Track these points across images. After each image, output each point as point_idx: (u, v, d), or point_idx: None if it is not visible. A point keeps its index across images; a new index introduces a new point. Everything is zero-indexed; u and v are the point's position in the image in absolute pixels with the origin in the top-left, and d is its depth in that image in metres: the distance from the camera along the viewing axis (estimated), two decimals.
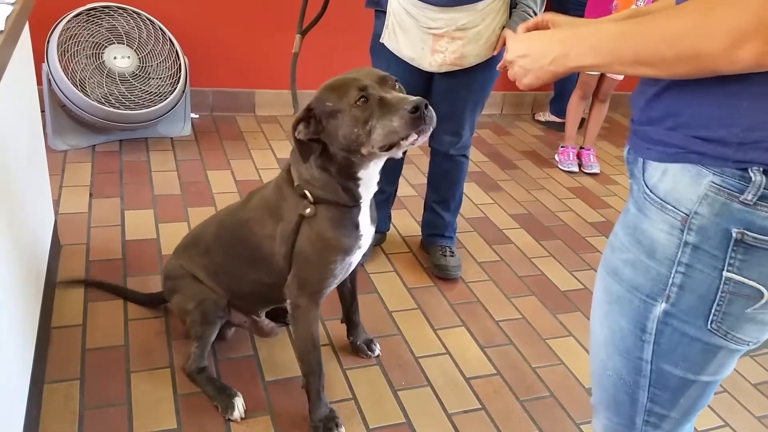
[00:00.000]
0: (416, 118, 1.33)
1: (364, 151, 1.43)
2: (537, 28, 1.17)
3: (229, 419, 1.72)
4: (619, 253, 1.00)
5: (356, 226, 1.59)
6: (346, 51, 3.73)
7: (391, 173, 2.48)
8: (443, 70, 2.17)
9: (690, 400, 1.00)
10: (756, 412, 2.04)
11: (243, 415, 1.73)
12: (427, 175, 2.57)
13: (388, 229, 2.66)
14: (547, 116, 4.42)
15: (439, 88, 2.25)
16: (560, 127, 4.31)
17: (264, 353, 1.98)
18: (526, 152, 3.90)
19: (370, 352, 2.03)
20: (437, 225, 2.58)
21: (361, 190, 1.55)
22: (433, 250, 2.56)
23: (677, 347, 0.94)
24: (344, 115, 1.40)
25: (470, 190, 3.23)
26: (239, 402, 1.74)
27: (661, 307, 0.93)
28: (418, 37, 2.12)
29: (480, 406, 1.91)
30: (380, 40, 2.22)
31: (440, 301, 2.37)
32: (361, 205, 1.58)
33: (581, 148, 3.79)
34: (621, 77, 3.50)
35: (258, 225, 1.66)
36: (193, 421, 1.72)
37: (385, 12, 2.17)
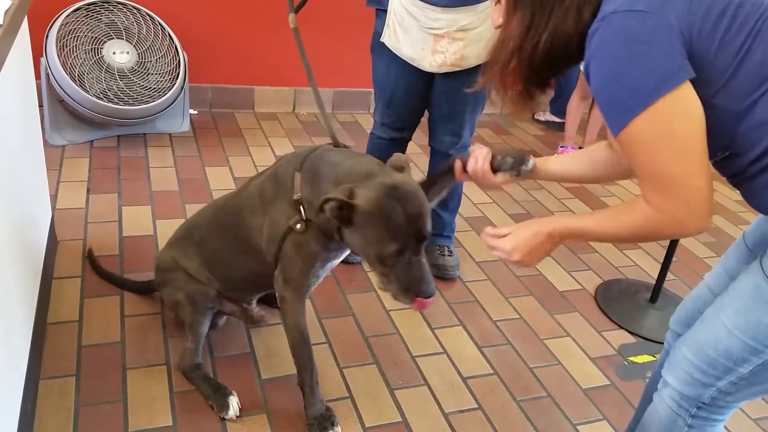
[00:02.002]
0: (421, 299, 1.42)
1: (370, 267, 1.48)
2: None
3: (224, 418, 1.72)
4: None
5: (339, 244, 1.57)
6: (347, 50, 3.73)
7: None
8: (443, 70, 2.16)
9: None
10: (752, 415, 2.04)
11: (238, 414, 1.73)
12: (426, 174, 2.56)
13: None
14: (547, 116, 4.42)
15: (439, 88, 2.25)
16: (560, 126, 4.31)
17: (260, 351, 1.98)
18: (525, 152, 3.88)
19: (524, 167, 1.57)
20: (436, 224, 2.56)
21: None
22: (431, 250, 2.55)
23: None
24: (373, 251, 1.41)
25: (469, 189, 3.22)
26: (234, 401, 1.74)
27: None
28: (418, 37, 2.11)
29: (476, 406, 1.91)
30: (381, 40, 2.21)
31: (438, 300, 2.37)
32: None
33: (581, 148, 3.79)
34: None
35: (250, 214, 1.67)
36: (189, 418, 1.71)
37: (386, 11, 2.17)
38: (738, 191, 1.18)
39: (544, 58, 1.15)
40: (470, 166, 1.54)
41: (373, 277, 2.40)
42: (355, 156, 1.56)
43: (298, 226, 1.55)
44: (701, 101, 1.04)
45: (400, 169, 1.49)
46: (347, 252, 1.66)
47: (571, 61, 1.18)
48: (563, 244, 1.32)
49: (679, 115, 1.04)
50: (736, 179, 1.16)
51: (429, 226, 1.43)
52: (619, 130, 1.07)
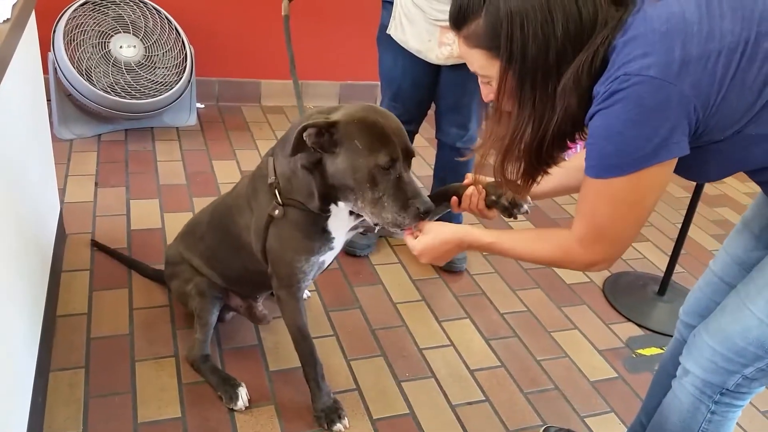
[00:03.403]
0: (422, 218, 1.39)
1: (358, 204, 1.43)
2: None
3: (233, 409, 1.73)
4: None
5: (323, 230, 1.56)
6: (354, 41, 3.72)
7: None
8: (450, 63, 2.15)
9: None
10: (761, 407, 2.04)
11: (247, 405, 1.74)
12: (433, 167, 2.56)
13: None
14: None
15: (446, 80, 2.24)
16: None
17: (269, 343, 1.99)
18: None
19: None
20: (443, 217, 2.56)
21: (333, 208, 1.52)
22: None
23: None
24: (364, 166, 1.37)
25: None
26: (243, 392, 1.75)
27: None
28: (425, 29, 2.11)
29: (484, 398, 1.91)
30: (387, 32, 2.20)
31: (445, 293, 2.37)
32: (330, 213, 1.54)
33: None
34: None
35: (238, 213, 1.68)
36: (198, 409, 1.72)
37: (392, 3, 2.16)
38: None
39: (554, 142, 1.13)
40: (464, 205, 1.53)
41: (380, 270, 2.40)
42: None
43: (276, 211, 1.52)
44: (731, 137, 1.06)
45: None
46: (336, 250, 1.64)
47: (576, 134, 1.16)
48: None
49: (655, 188, 1.08)
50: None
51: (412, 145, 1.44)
52: (596, 178, 1.08)
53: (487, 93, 1.19)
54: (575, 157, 1.45)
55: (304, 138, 1.37)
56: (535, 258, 1.27)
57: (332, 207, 1.51)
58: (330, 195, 1.48)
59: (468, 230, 1.35)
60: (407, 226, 1.40)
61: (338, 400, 1.76)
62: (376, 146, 1.36)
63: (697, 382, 1.28)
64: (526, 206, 1.51)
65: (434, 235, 1.37)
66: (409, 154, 1.42)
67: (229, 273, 1.82)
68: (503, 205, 1.51)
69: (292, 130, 1.43)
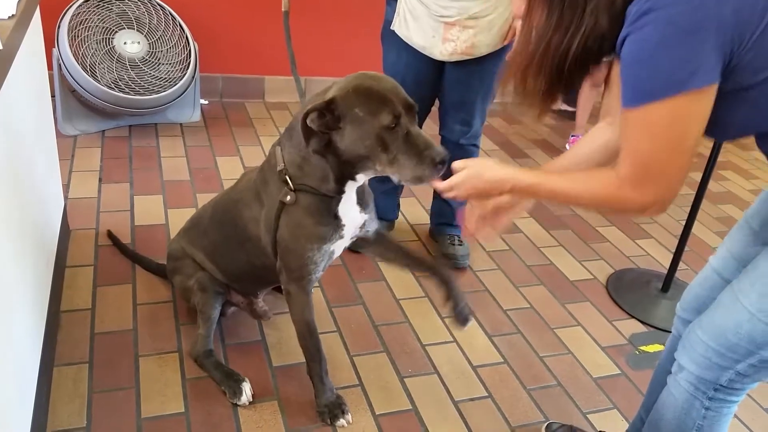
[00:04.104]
0: (440, 169, 1.38)
1: (378, 167, 1.44)
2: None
3: (237, 404, 1.73)
4: None
5: (334, 216, 1.57)
6: (358, 37, 3.71)
7: None
8: (454, 59, 2.15)
9: None
10: (764, 404, 2.03)
11: (251, 400, 1.75)
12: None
13: (397, 218, 2.66)
14: (559, 105, 4.38)
15: (449, 76, 2.24)
16: (573, 116, 4.27)
17: (272, 339, 1.99)
18: (537, 141, 3.87)
19: (461, 325, 1.71)
20: (446, 214, 2.57)
21: (348, 186, 1.54)
22: (441, 239, 2.56)
23: None
24: (370, 130, 1.39)
25: None
26: (247, 387, 1.75)
27: None
28: (429, 25, 2.10)
29: (486, 394, 1.91)
30: (391, 28, 2.20)
31: None
32: (343, 195, 1.56)
33: (572, 135, 3.76)
34: None
35: (245, 207, 1.68)
36: (201, 405, 1.73)
37: None
38: None
39: (577, 60, 1.10)
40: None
41: (383, 266, 2.41)
42: None
43: (288, 197, 1.53)
44: (761, 83, 1.02)
45: None
46: (345, 240, 1.64)
47: (601, 59, 1.13)
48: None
49: (694, 119, 1.03)
50: None
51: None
52: (632, 106, 1.05)
53: (519, 5, 1.19)
54: (581, 143, 1.44)
55: (309, 124, 1.40)
56: (582, 200, 1.19)
57: (347, 185, 1.53)
58: (346, 172, 1.50)
59: (511, 171, 1.28)
60: (429, 178, 1.40)
61: (341, 396, 1.77)
62: (375, 109, 1.38)
63: (691, 378, 1.29)
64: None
65: (476, 170, 1.31)
66: (410, 108, 1.43)
67: (232, 268, 1.83)
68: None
69: (296, 120, 1.46)
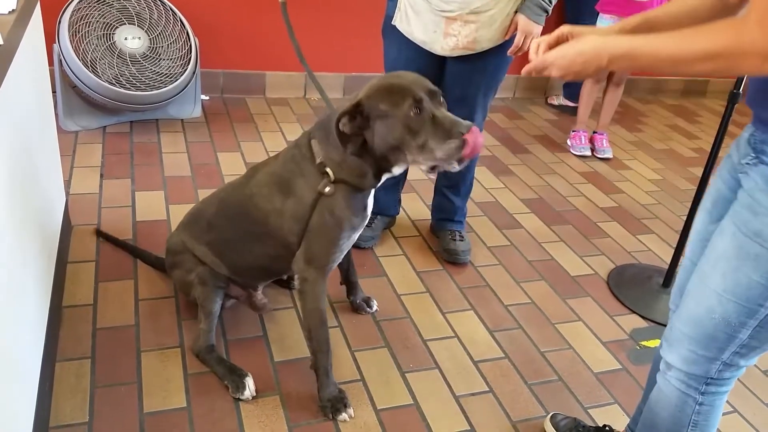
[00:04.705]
0: (473, 139, 1.41)
1: (409, 158, 1.50)
2: (558, 41, 1.27)
3: (240, 399, 1.74)
4: (762, 217, 1.11)
5: (365, 207, 1.67)
6: (359, 33, 3.71)
7: None
8: (455, 54, 2.15)
9: None
10: (765, 399, 2.04)
11: (254, 394, 1.75)
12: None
13: (398, 213, 2.66)
14: (560, 100, 4.38)
15: (451, 72, 2.23)
16: (574, 111, 4.27)
17: (273, 334, 2.00)
18: (538, 136, 3.87)
19: (368, 309, 2.14)
20: (447, 209, 2.57)
21: (385, 176, 1.63)
22: (442, 235, 2.56)
23: None
24: (396, 121, 1.46)
25: (481, 174, 3.21)
26: (250, 381, 1.76)
27: None
28: (430, 20, 2.10)
29: (488, 389, 1.92)
30: (392, 23, 2.20)
31: (449, 285, 2.37)
32: (379, 184, 1.66)
33: (594, 132, 3.76)
34: None
35: (264, 200, 1.70)
36: (203, 399, 1.73)
37: None
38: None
39: None
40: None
41: (384, 262, 2.41)
42: None
43: (327, 189, 1.59)
44: None
45: None
46: (366, 219, 1.72)
47: None
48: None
49: None
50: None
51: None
52: None
53: None
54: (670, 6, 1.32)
55: (341, 128, 1.48)
56: (692, 55, 1.01)
57: (384, 176, 1.62)
58: (383, 167, 1.59)
59: (602, 40, 1.16)
60: (459, 153, 1.42)
61: (343, 390, 1.77)
62: (397, 99, 1.45)
63: (681, 376, 1.29)
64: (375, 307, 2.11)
65: (569, 45, 1.19)
66: (433, 94, 1.48)
67: (241, 262, 1.83)
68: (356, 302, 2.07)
69: (328, 119, 1.55)
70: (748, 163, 1.17)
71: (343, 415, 1.72)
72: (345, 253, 1.75)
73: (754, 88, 1.17)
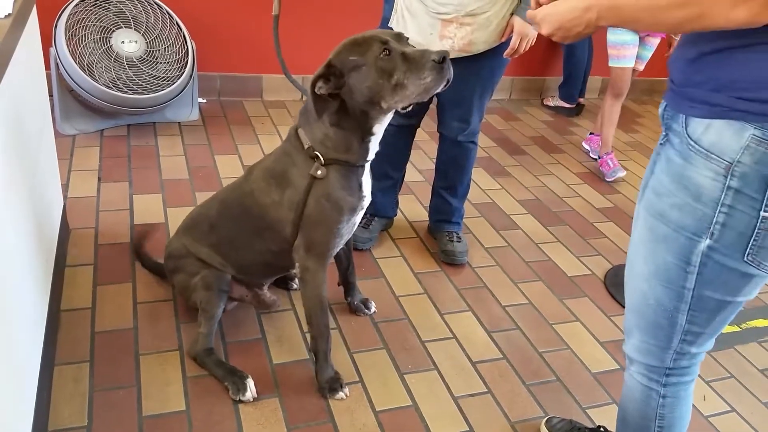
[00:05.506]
0: (445, 68, 1.43)
1: (384, 105, 1.51)
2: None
3: (240, 400, 1.74)
4: (665, 198, 1.13)
5: (360, 186, 1.68)
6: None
7: (398, 159, 2.48)
8: (452, 56, 2.15)
9: (722, 317, 1.18)
10: (762, 398, 2.04)
11: (255, 396, 1.75)
12: (435, 160, 2.56)
13: (396, 215, 2.66)
14: (556, 101, 4.40)
15: None
16: (569, 112, 4.29)
17: (272, 336, 2.00)
18: (534, 138, 3.88)
19: (367, 310, 2.15)
20: (444, 210, 2.58)
21: (371, 146, 1.64)
22: (440, 236, 2.56)
23: (718, 276, 1.11)
24: (369, 67, 1.48)
25: (478, 175, 3.22)
26: (251, 383, 1.76)
27: (705, 243, 1.09)
28: (426, 23, 2.11)
29: (486, 390, 1.92)
30: (389, 25, 2.20)
31: (447, 286, 2.37)
32: (366, 164, 1.67)
33: (590, 133, 3.77)
34: (642, 69, 3.47)
35: (262, 194, 1.71)
36: (202, 403, 1.73)
37: None
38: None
39: None
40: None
41: (382, 263, 2.41)
42: None
43: (319, 171, 1.61)
44: None
45: None
46: (362, 212, 1.73)
47: None
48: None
49: None
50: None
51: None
52: None
53: None
54: None
55: (318, 91, 1.50)
56: (679, 2, 0.97)
57: (370, 143, 1.63)
58: (364, 131, 1.60)
59: None
60: (435, 82, 1.45)
61: (339, 372, 1.83)
62: (364, 48, 1.48)
63: (641, 369, 1.31)
64: (373, 308, 2.12)
65: (557, 2, 1.16)
66: (398, 36, 1.52)
67: (245, 260, 1.84)
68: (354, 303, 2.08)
69: (308, 102, 1.55)
70: (661, 143, 1.17)
71: (340, 394, 1.79)
72: (345, 240, 1.76)
73: (678, 49, 1.13)
